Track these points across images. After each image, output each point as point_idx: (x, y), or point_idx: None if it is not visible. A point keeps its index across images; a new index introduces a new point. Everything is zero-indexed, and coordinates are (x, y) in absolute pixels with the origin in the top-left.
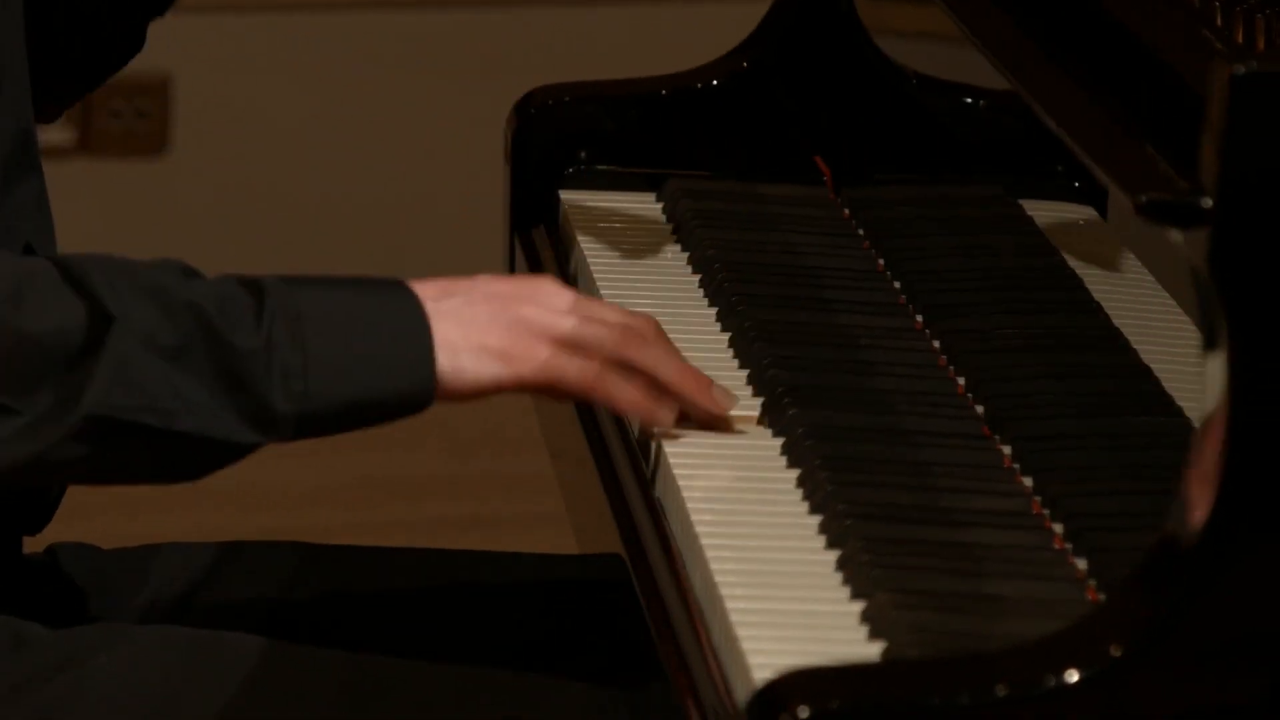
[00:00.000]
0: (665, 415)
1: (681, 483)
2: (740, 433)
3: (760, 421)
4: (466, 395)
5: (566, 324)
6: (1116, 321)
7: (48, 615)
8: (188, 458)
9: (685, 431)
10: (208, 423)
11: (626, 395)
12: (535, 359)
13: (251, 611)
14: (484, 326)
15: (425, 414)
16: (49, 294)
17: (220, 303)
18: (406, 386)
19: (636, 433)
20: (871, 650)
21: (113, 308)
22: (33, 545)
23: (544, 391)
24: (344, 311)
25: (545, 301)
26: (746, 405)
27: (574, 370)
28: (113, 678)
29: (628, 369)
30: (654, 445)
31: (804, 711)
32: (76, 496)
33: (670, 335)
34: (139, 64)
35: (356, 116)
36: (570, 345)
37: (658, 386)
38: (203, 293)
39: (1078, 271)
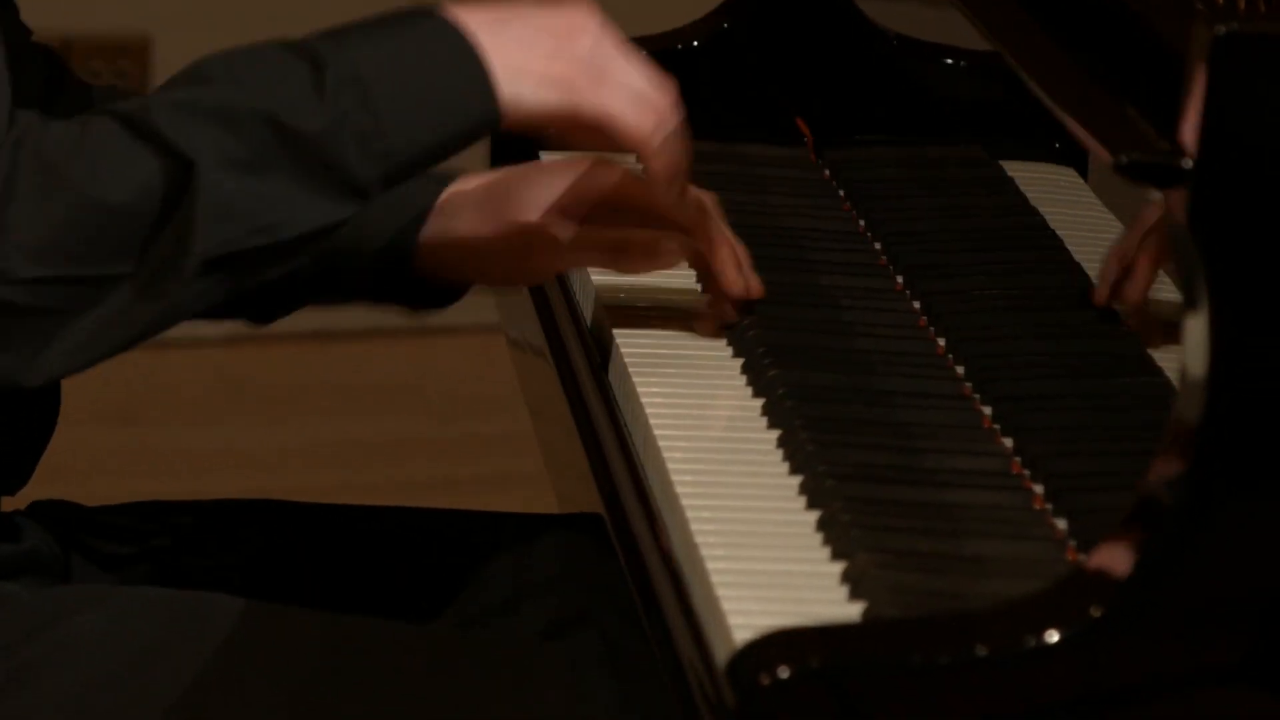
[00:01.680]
0: (690, 196)
1: (662, 443)
2: (721, 392)
3: (745, 384)
4: (524, 120)
5: (624, 69)
6: (1097, 282)
7: (27, 574)
8: (300, 251)
9: (666, 391)
10: (307, 217)
11: (670, 158)
12: (597, 93)
13: (232, 570)
14: (543, 54)
15: (404, 377)
16: (121, 155)
17: (279, 94)
18: (475, 119)
19: (619, 393)
20: (852, 610)
21: (187, 150)
22: (13, 502)
23: (591, 130)
24: (400, 61)
25: (600, 37)
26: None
27: (633, 116)
28: (92, 639)
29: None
30: (634, 405)
31: (784, 671)
32: (56, 460)
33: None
34: (119, 25)
35: None
36: (627, 90)
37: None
38: (259, 90)
39: (1058, 232)
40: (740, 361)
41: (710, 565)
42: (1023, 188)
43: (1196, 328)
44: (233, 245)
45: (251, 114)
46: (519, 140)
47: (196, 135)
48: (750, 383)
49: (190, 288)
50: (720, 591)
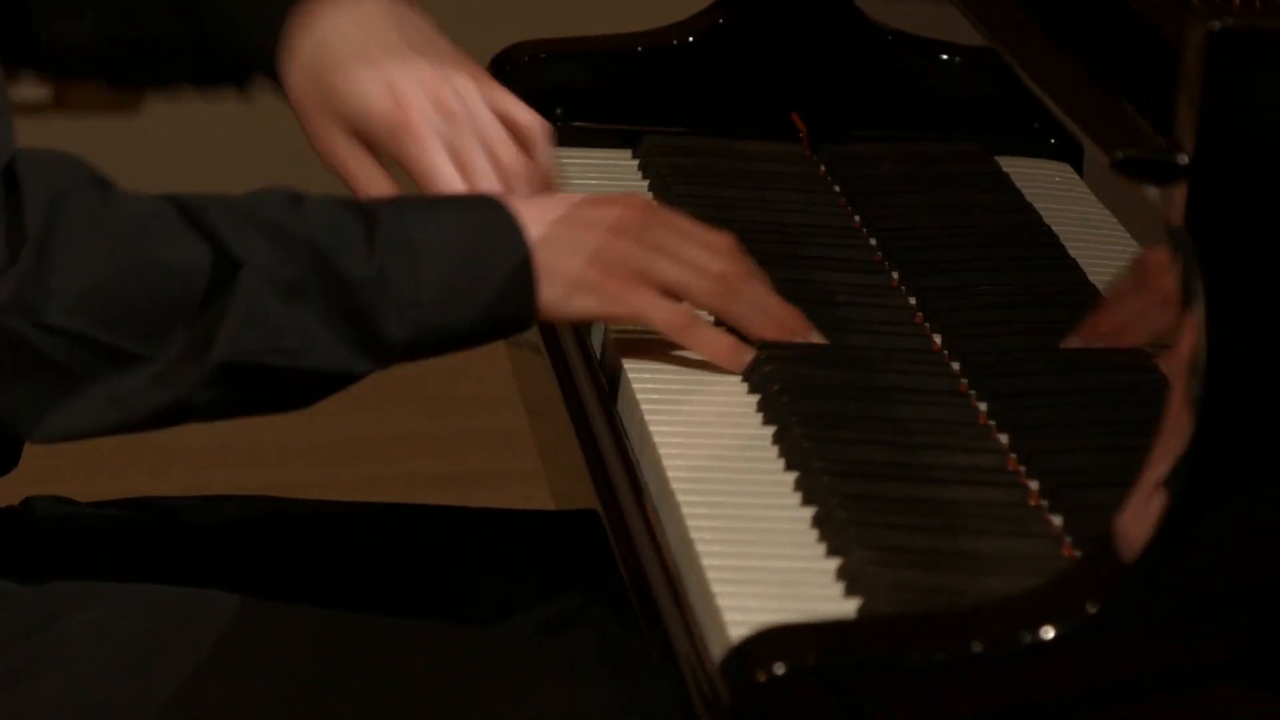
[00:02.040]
0: (745, 358)
1: (658, 440)
2: (717, 389)
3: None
4: (559, 322)
5: (663, 269)
6: (1093, 278)
7: (22, 569)
8: (306, 390)
9: (662, 388)
10: (327, 357)
11: (715, 345)
12: (627, 301)
13: (230, 567)
14: (585, 258)
15: (402, 373)
16: (174, 236)
17: (333, 234)
18: (511, 313)
19: (615, 390)
20: (847, 607)
21: (238, 251)
22: (8, 498)
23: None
24: (452, 237)
25: (644, 236)
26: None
27: (663, 316)
28: (89, 636)
29: None
30: (630, 403)
31: (780, 668)
32: (49, 458)
33: None
34: None
35: None
36: (663, 287)
37: None
38: (316, 224)
39: (1054, 228)
40: None
41: (706, 562)
42: (1019, 184)
43: (1193, 324)
44: (252, 356)
45: (303, 242)
46: None
47: (249, 241)
48: (746, 379)
49: (202, 386)
50: (716, 588)
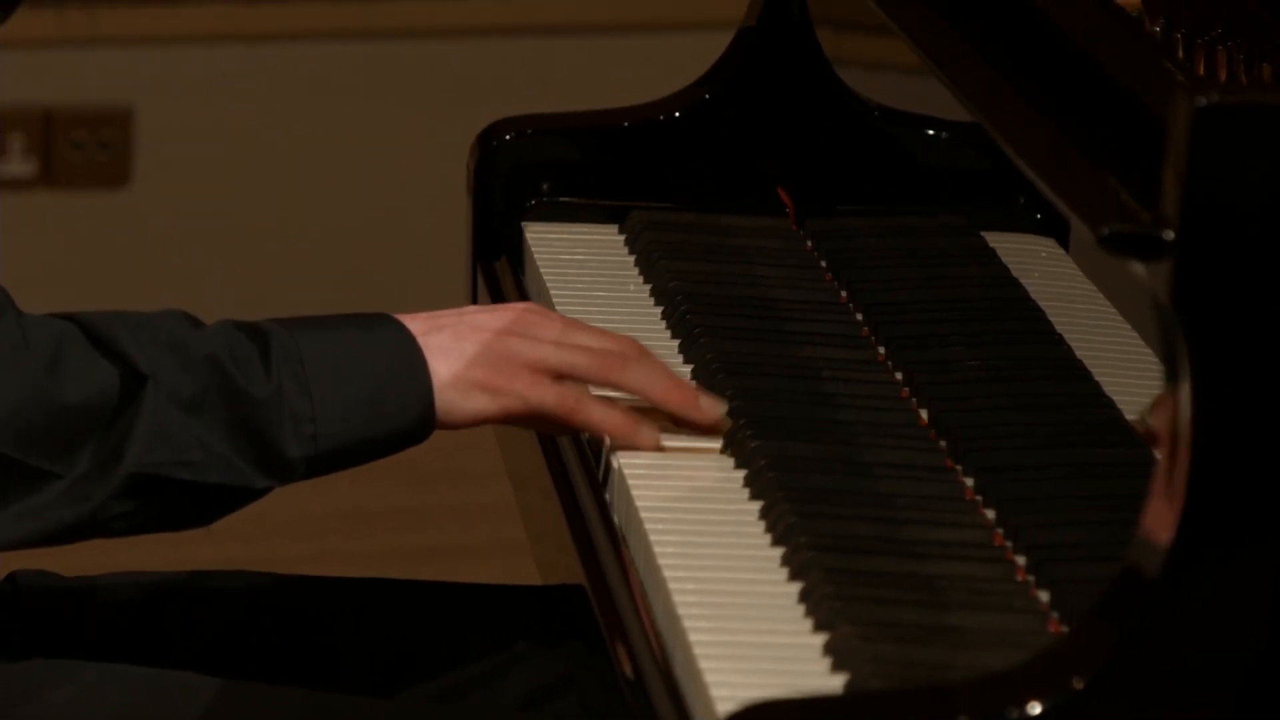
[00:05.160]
0: (648, 436)
1: (644, 514)
2: (703, 464)
3: (723, 452)
4: (456, 428)
5: (548, 354)
6: (1079, 353)
7: (2, 644)
8: (207, 506)
9: (648, 462)
10: (228, 472)
11: (607, 419)
12: (517, 392)
13: (209, 641)
14: (471, 361)
15: None
16: (82, 359)
17: (231, 353)
18: (408, 423)
19: (601, 463)
20: (834, 682)
21: (144, 367)
22: None
23: (530, 423)
24: (344, 352)
25: (529, 332)
26: (708, 437)
27: (553, 398)
28: (63, 715)
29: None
30: (616, 476)
31: None
32: None
33: None
34: (101, 96)
35: (319, 148)
36: (552, 374)
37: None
38: (215, 343)
39: (1040, 303)
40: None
41: (693, 637)
42: (1005, 258)
43: (1179, 400)
44: (160, 469)
45: (204, 359)
46: (502, 214)
47: (154, 356)
48: (733, 454)
49: (112, 500)
50: (703, 664)
